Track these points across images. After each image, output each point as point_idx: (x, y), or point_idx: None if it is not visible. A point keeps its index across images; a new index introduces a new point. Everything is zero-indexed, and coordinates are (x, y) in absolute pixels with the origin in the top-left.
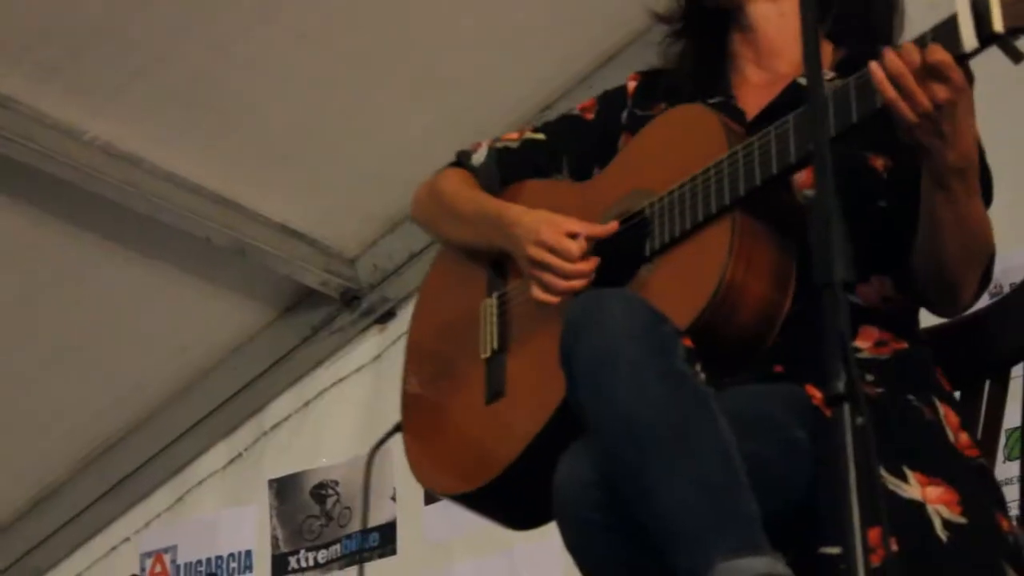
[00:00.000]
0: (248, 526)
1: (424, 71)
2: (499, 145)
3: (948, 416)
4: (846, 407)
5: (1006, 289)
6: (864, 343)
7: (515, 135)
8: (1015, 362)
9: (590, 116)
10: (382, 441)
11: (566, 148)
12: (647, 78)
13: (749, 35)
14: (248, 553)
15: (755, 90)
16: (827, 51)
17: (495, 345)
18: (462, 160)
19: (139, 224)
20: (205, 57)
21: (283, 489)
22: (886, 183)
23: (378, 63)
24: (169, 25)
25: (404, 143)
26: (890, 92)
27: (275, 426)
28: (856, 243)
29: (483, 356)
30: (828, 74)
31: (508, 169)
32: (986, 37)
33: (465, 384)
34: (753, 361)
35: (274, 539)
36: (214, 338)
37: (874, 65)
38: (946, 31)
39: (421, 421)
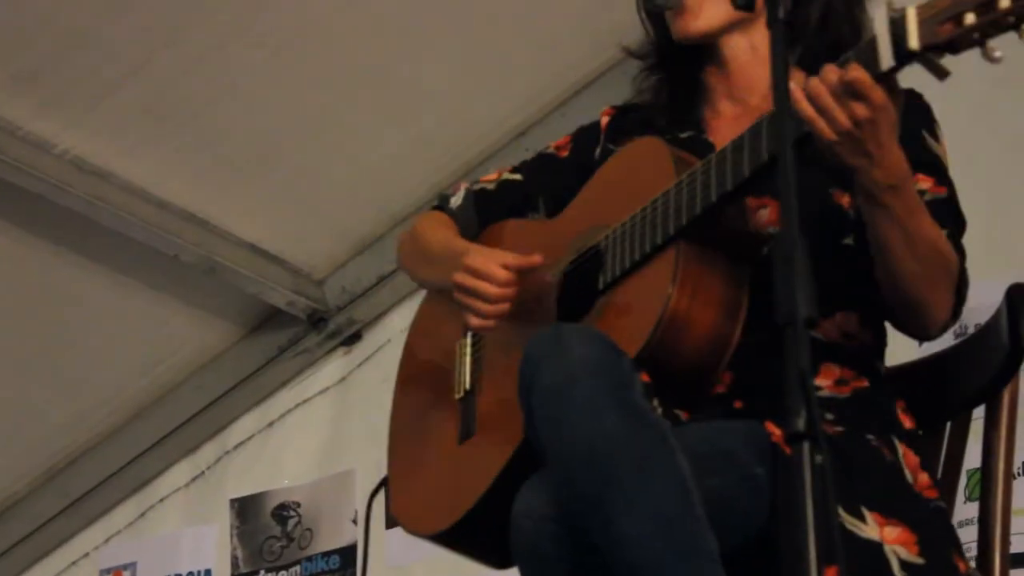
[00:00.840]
0: (209, 545)
1: (399, 92)
2: (476, 187)
3: (907, 456)
4: (806, 446)
5: (971, 328)
6: (824, 381)
7: (493, 176)
8: (976, 404)
9: (564, 154)
10: (377, 490)
11: (542, 187)
12: (620, 113)
13: (722, 69)
14: (208, 572)
15: (727, 124)
16: (799, 79)
17: (467, 385)
18: (441, 204)
19: (108, 239)
20: (178, 72)
21: (245, 509)
22: (852, 220)
23: (353, 82)
24: (143, 40)
25: (376, 165)
26: (807, 110)
27: (238, 445)
28: (821, 280)
29: (456, 396)
30: None
31: (485, 211)
32: (903, 55)
33: (441, 425)
34: (705, 392)
35: (234, 559)
36: (180, 355)
37: (792, 85)
38: (866, 51)
39: (402, 462)
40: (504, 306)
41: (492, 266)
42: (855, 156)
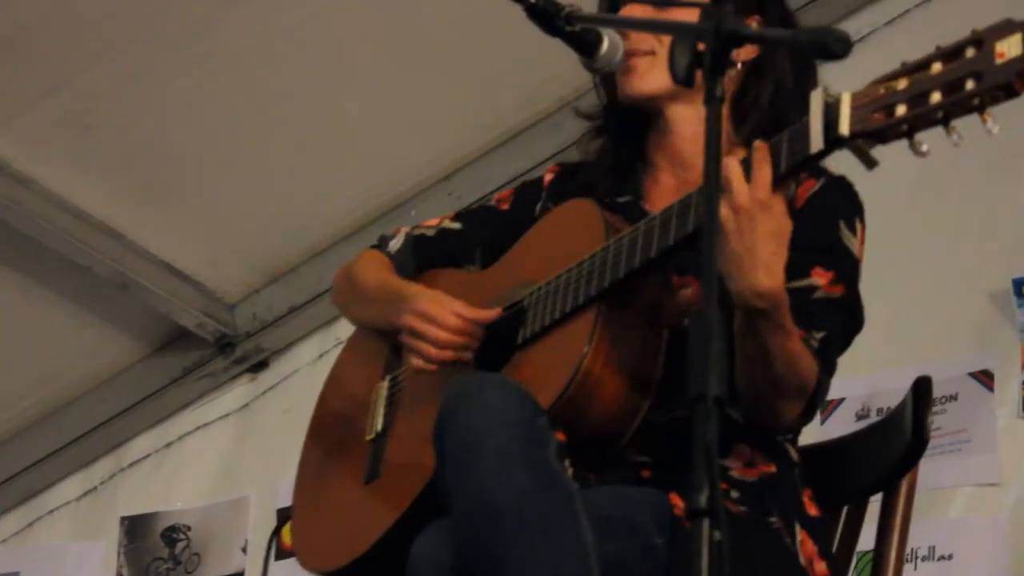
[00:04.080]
0: (95, 561)
1: (327, 126)
2: (416, 233)
3: (805, 544)
4: (706, 522)
5: (873, 413)
6: (734, 463)
7: (433, 222)
8: (875, 492)
9: (505, 207)
10: (281, 525)
11: (480, 238)
12: (565, 172)
13: (665, 139)
14: None
15: (666, 193)
16: (742, 156)
17: (379, 428)
18: (380, 245)
19: (22, 245)
20: (108, 88)
21: (134, 527)
22: None
23: (281, 112)
24: (75, 52)
25: (298, 196)
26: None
27: (134, 463)
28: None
29: (368, 438)
30: None
31: (423, 256)
32: (832, 140)
33: (349, 464)
34: (611, 456)
35: None
36: (83, 368)
37: (726, 161)
38: (798, 132)
39: (307, 498)
40: (448, 352)
41: (445, 313)
42: (723, 258)
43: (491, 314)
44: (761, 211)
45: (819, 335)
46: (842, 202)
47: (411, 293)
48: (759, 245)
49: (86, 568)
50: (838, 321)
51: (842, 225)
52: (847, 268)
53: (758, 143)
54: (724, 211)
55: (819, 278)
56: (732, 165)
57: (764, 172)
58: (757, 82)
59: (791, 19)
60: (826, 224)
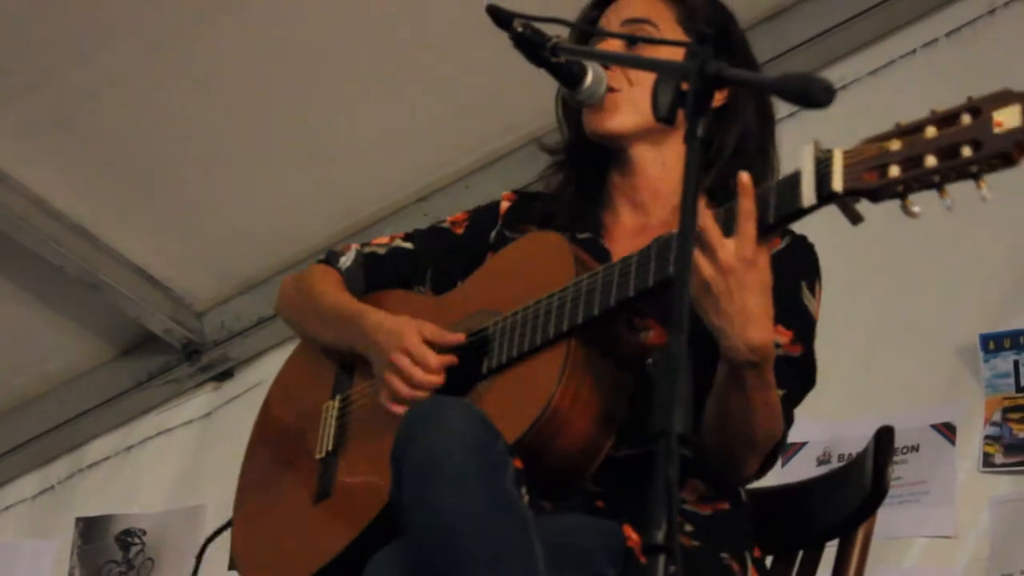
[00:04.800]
0: (47, 560)
1: (307, 140)
2: (367, 250)
3: None
4: (662, 558)
5: (834, 458)
6: (689, 496)
7: (385, 240)
8: (832, 538)
9: (459, 231)
10: (215, 534)
11: (431, 260)
12: (521, 200)
13: (629, 179)
14: None
15: (626, 233)
16: (701, 207)
17: (330, 447)
18: (330, 260)
19: None
20: (91, 88)
21: (89, 529)
22: None
23: (262, 124)
24: (62, 49)
25: (274, 208)
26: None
27: (93, 465)
28: (698, 397)
29: (318, 456)
30: None
31: (373, 275)
32: (825, 195)
33: (297, 482)
34: (570, 491)
35: None
36: (48, 366)
37: (702, 206)
38: (789, 184)
39: (251, 511)
40: (422, 393)
41: (428, 354)
42: (716, 315)
43: (458, 337)
44: (748, 269)
45: (781, 392)
46: (804, 264)
47: (376, 321)
48: (749, 302)
49: (39, 567)
50: (797, 380)
51: (804, 286)
52: (806, 328)
53: (744, 185)
54: (710, 272)
55: (781, 336)
56: (708, 223)
57: (750, 228)
58: (723, 130)
59: (756, 67)
60: (788, 284)
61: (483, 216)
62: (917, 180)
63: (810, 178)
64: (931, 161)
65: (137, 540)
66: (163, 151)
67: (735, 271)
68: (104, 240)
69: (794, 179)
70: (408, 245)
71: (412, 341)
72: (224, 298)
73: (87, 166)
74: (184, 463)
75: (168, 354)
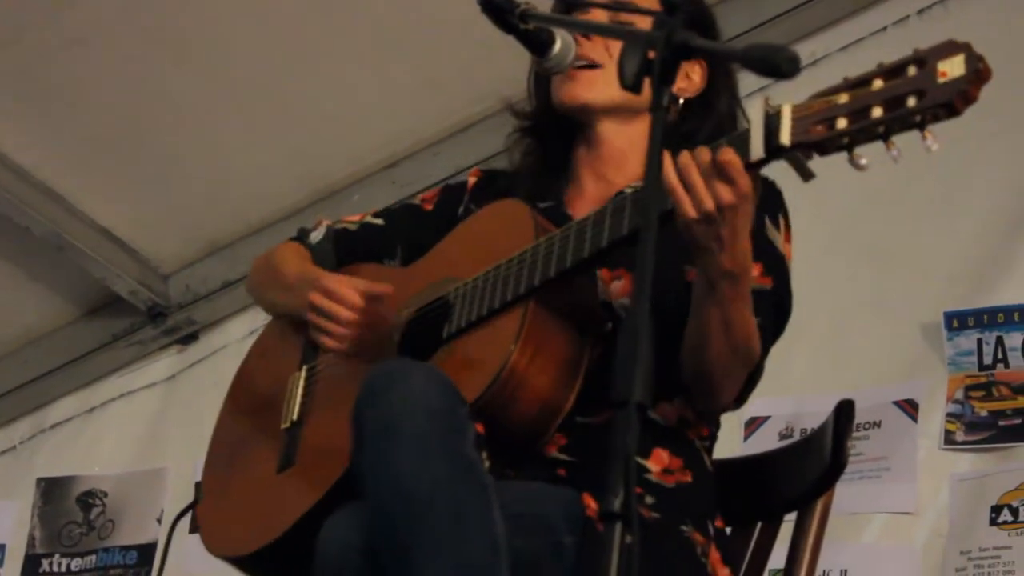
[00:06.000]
0: (8, 520)
1: (277, 105)
2: (338, 227)
3: (712, 552)
4: (618, 525)
5: (796, 433)
6: (654, 465)
7: (356, 217)
8: (791, 510)
9: (429, 207)
10: (185, 511)
11: (402, 236)
12: (488, 178)
13: (593, 151)
14: (2, 547)
15: (589, 201)
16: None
17: (295, 417)
18: (300, 237)
19: None
20: (56, 47)
21: (50, 489)
22: None
23: (233, 87)
24: (31, 9)
25: (242, 171)
26: (673, 182)
27: (55, 425)
28: (665, 361)
29: (283, 426)
30: None
31: (344, 250)
32: (773, 149)
33: (262, 452)
34: (533, 453)
35: (31, 537)
36: (12, 327)
37: (666, 154)
38: (739, 139)
39: (217, 482)
40: (355, 330)
41: (346, 289)
42: (708, 239)
43: (387, 288)
44: (746, 198)
45: (756, 320)
46: (766, 199)
47: (320, 274)
48: (738, 223)
49: None
50: (770, 311)
51: (766, 220)
52: (774, 260)
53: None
54: (731, 198)
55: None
56: (731, 156)
57: (738, 160)
58: (699, 115)
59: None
60: (752, 220)
61: (452, 193)
62: (863, 132)
63: (759, 132)
64: (877, 112)
65: (98, 502)
66: (130, 113)
67: (749, 198)
68: (71, 201)
69: (744, 134)
70: (379, 221)
71: (328, 282)
72: (190, 261)
73: (52, 125)
74: (147, 425)
75: (133, 316)
